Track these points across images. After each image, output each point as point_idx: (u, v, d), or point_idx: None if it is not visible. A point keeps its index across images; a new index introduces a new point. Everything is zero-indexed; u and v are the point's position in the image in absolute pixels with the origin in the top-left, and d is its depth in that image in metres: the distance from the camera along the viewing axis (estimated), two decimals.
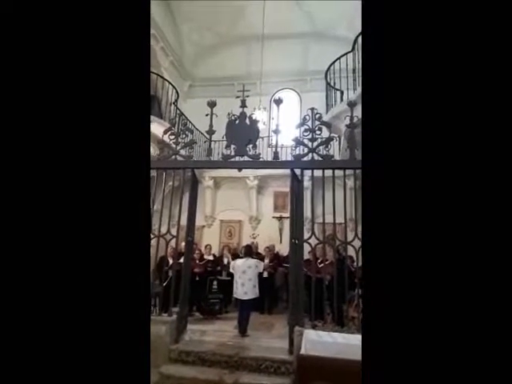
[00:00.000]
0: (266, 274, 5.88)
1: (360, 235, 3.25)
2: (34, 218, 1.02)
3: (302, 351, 2.96)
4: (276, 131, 4.10)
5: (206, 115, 4.42)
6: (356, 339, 2.75)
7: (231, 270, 4.79)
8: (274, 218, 7.67)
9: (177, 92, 6.47)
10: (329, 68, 5.61)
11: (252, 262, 4.55)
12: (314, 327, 3.41)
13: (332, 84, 5.60)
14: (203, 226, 7.86)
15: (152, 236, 4.12)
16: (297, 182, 4.07)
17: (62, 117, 1.07)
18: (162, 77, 6.63)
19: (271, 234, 7.44)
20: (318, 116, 3.95)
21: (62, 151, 1.06)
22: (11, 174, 1.01)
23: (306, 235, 3.80)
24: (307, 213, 4.17)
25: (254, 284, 4.43)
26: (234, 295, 4.57)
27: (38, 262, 1.01)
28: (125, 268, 1.08)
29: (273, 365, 3.38)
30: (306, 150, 3.93)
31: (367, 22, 1.15)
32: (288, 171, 4.69)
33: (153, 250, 4.22)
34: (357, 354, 2.16)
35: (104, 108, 1.11)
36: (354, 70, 4.68)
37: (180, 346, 3.74)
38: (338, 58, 5.24)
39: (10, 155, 1.01)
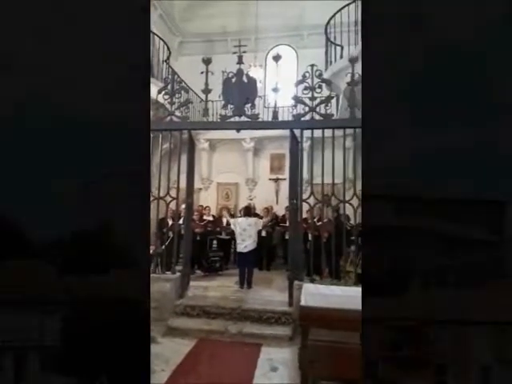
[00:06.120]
0: (264, 233, 6.05)
1: (358, 194, 3.33)
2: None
3: (303, 303, 3.15)
4: (275, 89, 3.99)
5: (201, 73, 4.24)
6: (352, 291, 2.92)
7: (232, 227, 4.97)
8: (270, 179, 7.71)
9: (168, 49, 6.13)
10: (329, 21, 5.32)
11: (252, 220, 4.75)
12: (312, 281, 3.59)
13: (332, 39, 5.35)
14: (200, 189, 7.88)
15: (152, 198, 4.14)
16: (296, 142, 4.04)
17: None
18: (151, 31, 6.23)
19: (268, 195, 7.52)
20: (318, 73, 3.84)
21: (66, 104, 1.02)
22: None
23: (304, 196, 3.88)
24: (305, 174, 4.19)
25: (254, 239, 4.69)
26: (237, 249, 4.85)
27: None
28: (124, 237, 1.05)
29: (274, 316, 3.60)
30: (304, 110, 3.87)
31: None
32: (285, 133, 4.64)
33: (153, 212, 4.30)
34: (354, 304, 2.34)
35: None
36: (355, 23, 4.46)
37: (184, 301, 3.93)
38: (339, 11, 4.96)
39: None
